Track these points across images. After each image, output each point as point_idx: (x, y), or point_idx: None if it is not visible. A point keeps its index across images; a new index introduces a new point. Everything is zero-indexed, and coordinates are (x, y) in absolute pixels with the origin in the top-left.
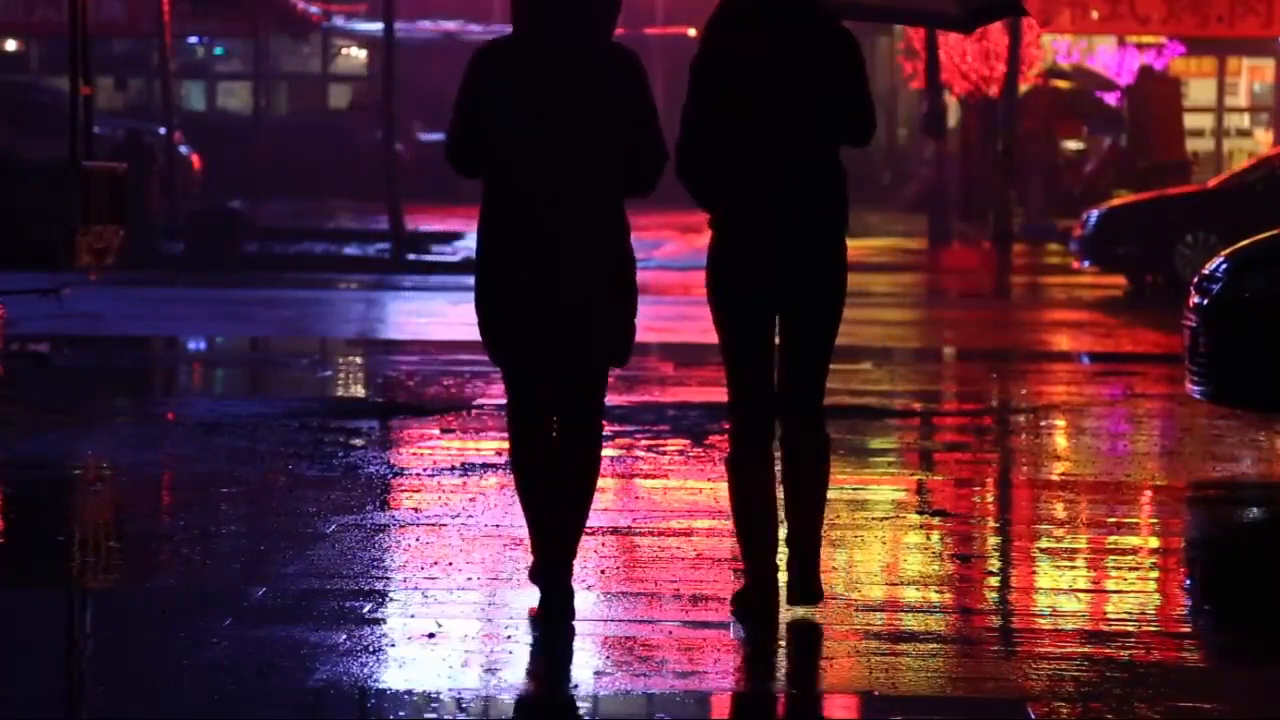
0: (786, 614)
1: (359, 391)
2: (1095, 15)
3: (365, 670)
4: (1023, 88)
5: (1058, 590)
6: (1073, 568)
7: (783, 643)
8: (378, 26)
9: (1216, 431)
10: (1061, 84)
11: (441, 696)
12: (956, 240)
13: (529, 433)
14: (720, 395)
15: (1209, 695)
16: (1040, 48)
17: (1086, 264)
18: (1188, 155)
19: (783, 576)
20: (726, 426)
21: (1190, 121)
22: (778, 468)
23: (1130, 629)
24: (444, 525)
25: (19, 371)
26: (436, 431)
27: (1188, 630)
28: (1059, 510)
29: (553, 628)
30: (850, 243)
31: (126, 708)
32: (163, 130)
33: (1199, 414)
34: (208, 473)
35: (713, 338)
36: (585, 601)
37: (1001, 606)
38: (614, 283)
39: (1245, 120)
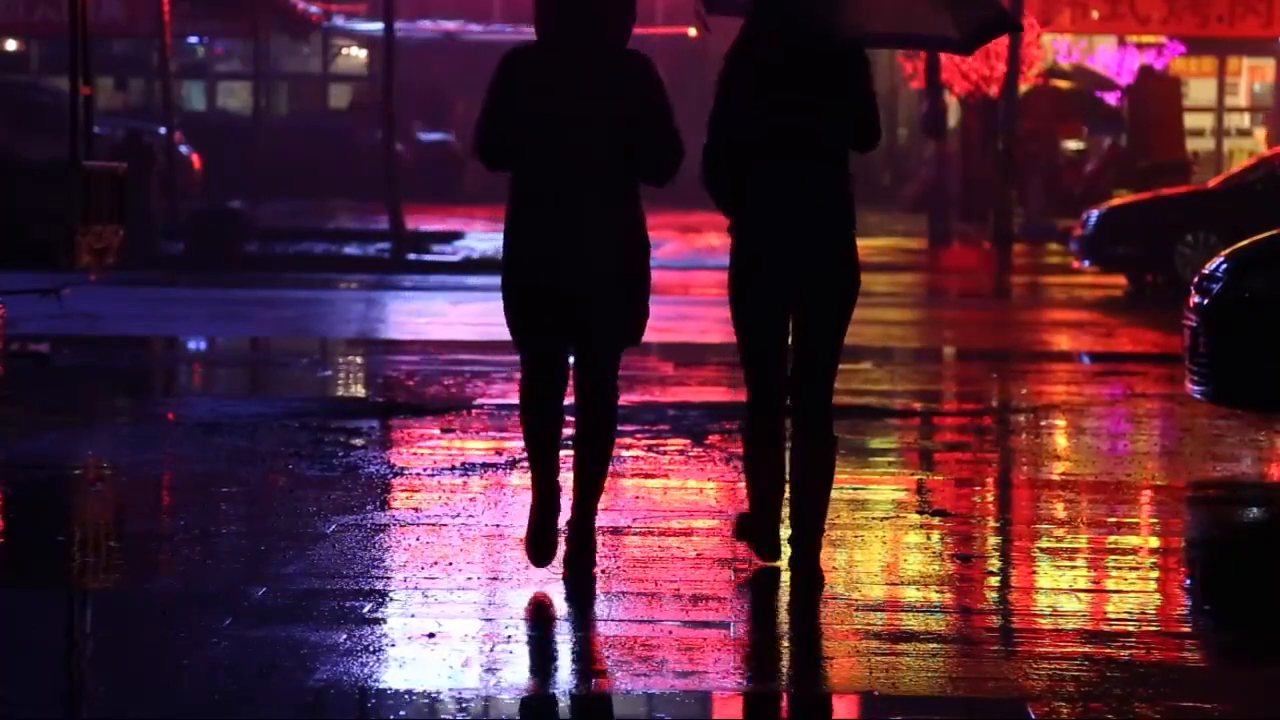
0: (788, 613)
1: (359, 391)
2: (1095, 15)
3: (365, 670)
4: (1023, 88)
5: (1058, 590)
6: (1073, 568)
7: (783, 643)
8: (378, 26)
9: (1216, 431)
10: (1062, 84)
11: (441, 696)
12: (956, 240)
13: (543, 410)
14: (720, 395)
15: (1209, 695)
16: (1040, 48)
17: (1086, 264)
18: (1188, 155)
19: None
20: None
21: (1190, 121)
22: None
23: (1130, 629)
24: (444, 525)
25: (19, 371)
26: (436, 431)
27: (1188, 630)
28: (1059, 510)
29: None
30: None
31: (126, 708)
32: (163, 130)
33: (1199, 414)
34: (208, 473)
35: (712, 337)
36: (585, 601)
37: (1002, 606)
38: (628, 266)
39: (1245, 120)
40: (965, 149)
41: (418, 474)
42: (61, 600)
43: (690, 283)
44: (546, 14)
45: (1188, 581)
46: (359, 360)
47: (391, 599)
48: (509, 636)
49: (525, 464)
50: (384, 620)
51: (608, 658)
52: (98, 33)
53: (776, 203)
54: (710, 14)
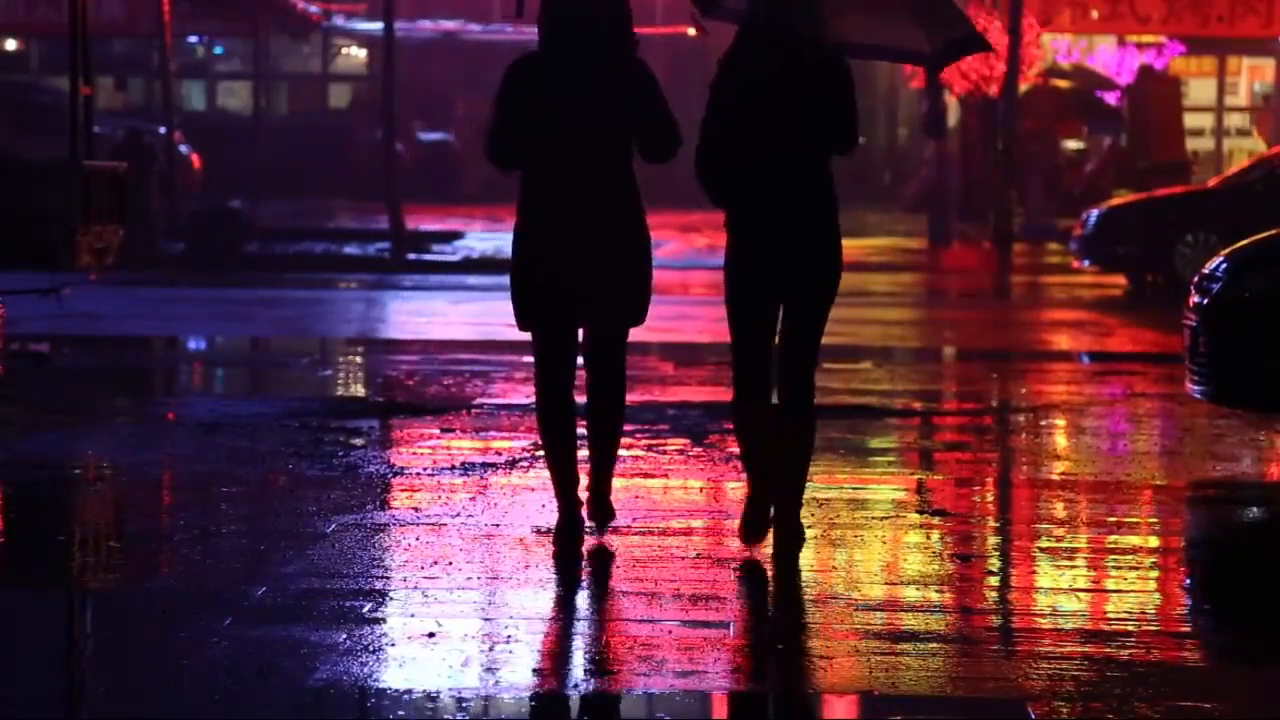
0: (788, 613)
1: (359, 391)
2: (1095, 15)
3: (365, 670)
4: (1023, 87)
5: (1058, 590)
6: (1073, 567)
7: (783, 643)
8: (378, 26)
9: (1216, 431)
10: (1061, 84)
11: (441, 696)
12: (956, 240)
13: (554, 393)
14: (720, 395)
15: (1209, 695)
16: (1040, 47)
17: (1086, 264)
18: (1188, 155)
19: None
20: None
21: (1190, 121)
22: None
23: (1130, 629)
24: (444, 525)
25: (19, 371)
26: (436, 431)
27: (1188, 630)
28: (1059, 510)
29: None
30: (850, 242)
31: (126, 708)
32: (163, 130)
33: (1199, 414)
34: (208, 473)
35: (712, 337)
36: (585, 601)
37: (1001, 606)
38: (631, 254)
39: (1245, 120)
40: (965, 149)
41: (418, 474)
42: (61, 600)
43: (690, 282)
44: (548, 25)
45: (1188, 581)
46: (359, 360)
47: (391, 599)
48: (509, 636)
49: (525, 464)
50: (384, 620)
51: (607, 657)
52: (98, 33)
53: (765, 201)
54: (705, 18)
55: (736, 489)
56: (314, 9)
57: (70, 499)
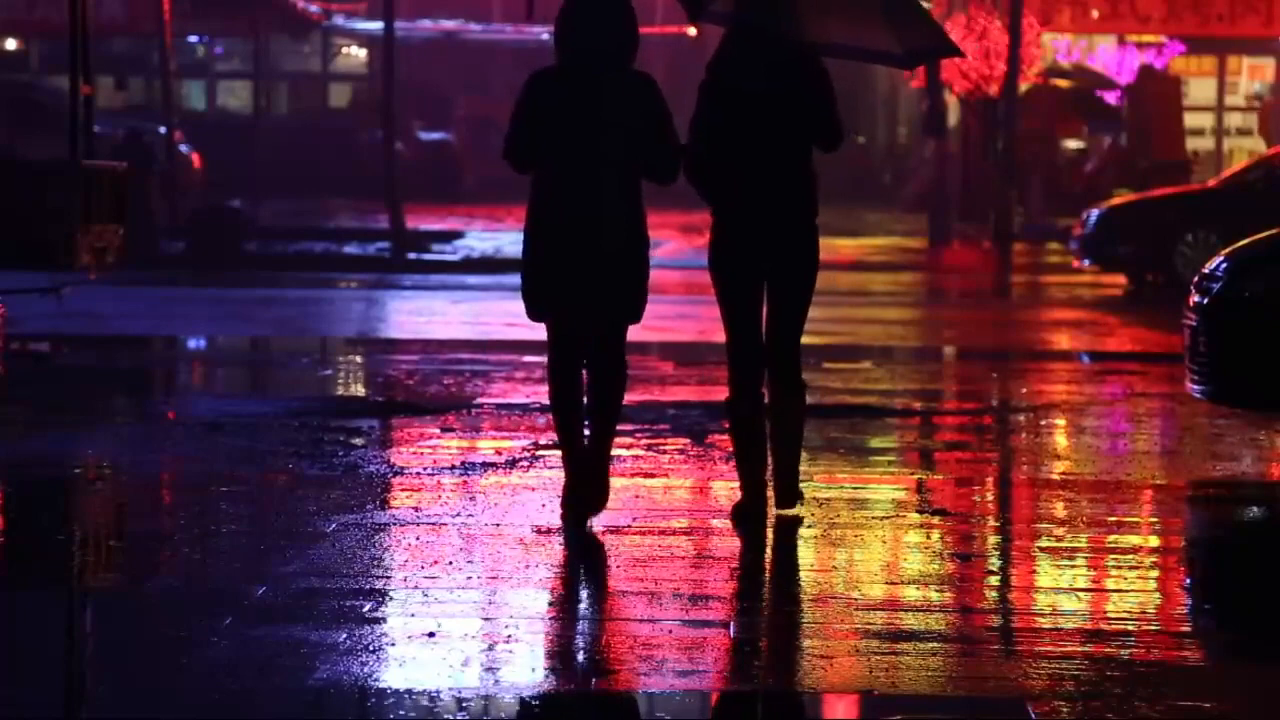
0: (788, 612)
1: (359, 391)
2: (1095, 14)
3: (366, 669)
4: (1023, 87)
5: (1058, 589)
6: (1073, 567)
7: (783, 643)
8: (378, 26)
9: (1216, 431)
10: (1062, 83)
11: (441, 696)
12: (956, 239)
13: (564, 375)
14: (720, 395)
15: (1209, 695)
16: (1040, 47)
17: (1086, 263)
18: (1188, 154)
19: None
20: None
21: (1190, 121)
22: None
23: (1130, 628)
24: (444, 525)
25: (19, 371)
26: (436, 431)
27: (1188, 630)
28: (1059, 509)
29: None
30: (850, 242)
31: (126, 708)
32: (163, 130)
33: (1199, 413)
34: (208, 472)
35: (712, 337)
36: (585, 601)
37: (1002, 606)
38: (632, 257)
39: (1245, 120)
40: (965, 149)
41: (418, 473)
42: (61, 600)
43: (690, 282)
44: (564, 42)
45: (1188, 581)
46: (359, 359)
47: (391, 598)
48: (509, 636)
49: (525, 463)
50: (384, 619)
51: (608, 657)
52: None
53: (749, 194)
54: (693, 21)
55: (736, 489)
56: (314, 9)
57: (70, 499)
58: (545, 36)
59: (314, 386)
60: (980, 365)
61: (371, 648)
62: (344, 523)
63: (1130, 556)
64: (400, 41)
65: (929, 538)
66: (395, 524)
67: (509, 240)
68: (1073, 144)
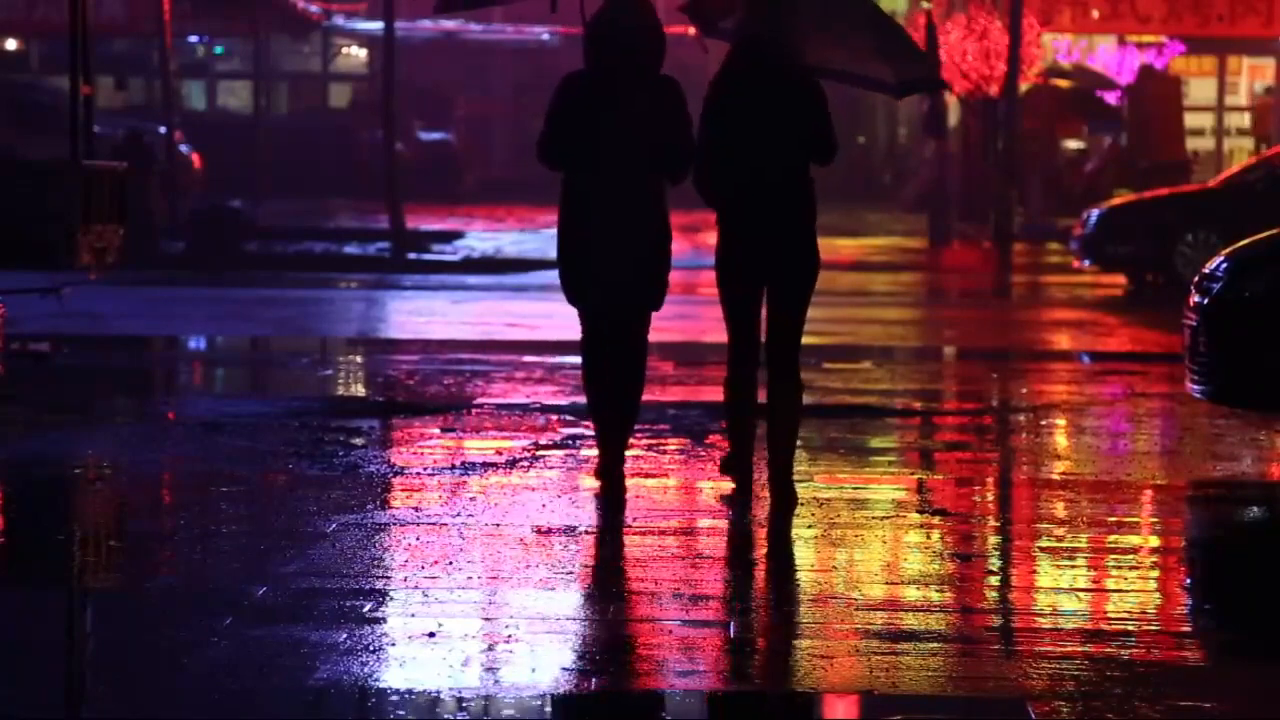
0: (787, 613)
1: (359, 391)
2: (1095, 14)
3: (366, 669)
4: (1023, 87)
5: (1058, 589)
6: (1073, 567)
7: (783, 643)
8: (378, 26)
9: (1216, 431)
10: (1062, 83)
11: (442, 696)
12: (957, 240)
13: (596, 357)
14: (719, 394)
15: (1209, 695)
16: (1040, 47)
17: (1086, 263)
18: (1188, 154)
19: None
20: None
21: (1190, 121)
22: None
23: (1130, 628)
24: (444, 525)
25: (19, 371)
26: (437, 431)
27: (1188, 630)
28: (1059, 509)
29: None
30: (851, 242)
31: (126, 708)
32: (163, 130)
33: (1199, 413)
34: (208, 472)
35: (713, 337)
36: (585, 601)
37: (1002, 606)
38: (657, 249)
39: (1245, 120)
40: (965, 149)
41: (418, 473)
42: (61, 600)
43: (691, 282)
44: (595, 46)
45: (1188, 581)
46: (359, 360)
47: (391, 598)
48: (509, 636)
49: (525, 463)
50: (384, 619)
51: (608, 657)
52: (98, 32)
53: (750, 200)
54: (706, 37)
55: (735, 489)
56: (314, 9)
57: (70, 499)
58: (546, 37)
59: (314, 386)
60: (980, 365)
61: (372, 648)
62: (344, 523)
63: (1130, 556)
64: (400, 41)
65: (929, 538)
66: (395, 524)
67: (509, 240)
68: (1073, 144)
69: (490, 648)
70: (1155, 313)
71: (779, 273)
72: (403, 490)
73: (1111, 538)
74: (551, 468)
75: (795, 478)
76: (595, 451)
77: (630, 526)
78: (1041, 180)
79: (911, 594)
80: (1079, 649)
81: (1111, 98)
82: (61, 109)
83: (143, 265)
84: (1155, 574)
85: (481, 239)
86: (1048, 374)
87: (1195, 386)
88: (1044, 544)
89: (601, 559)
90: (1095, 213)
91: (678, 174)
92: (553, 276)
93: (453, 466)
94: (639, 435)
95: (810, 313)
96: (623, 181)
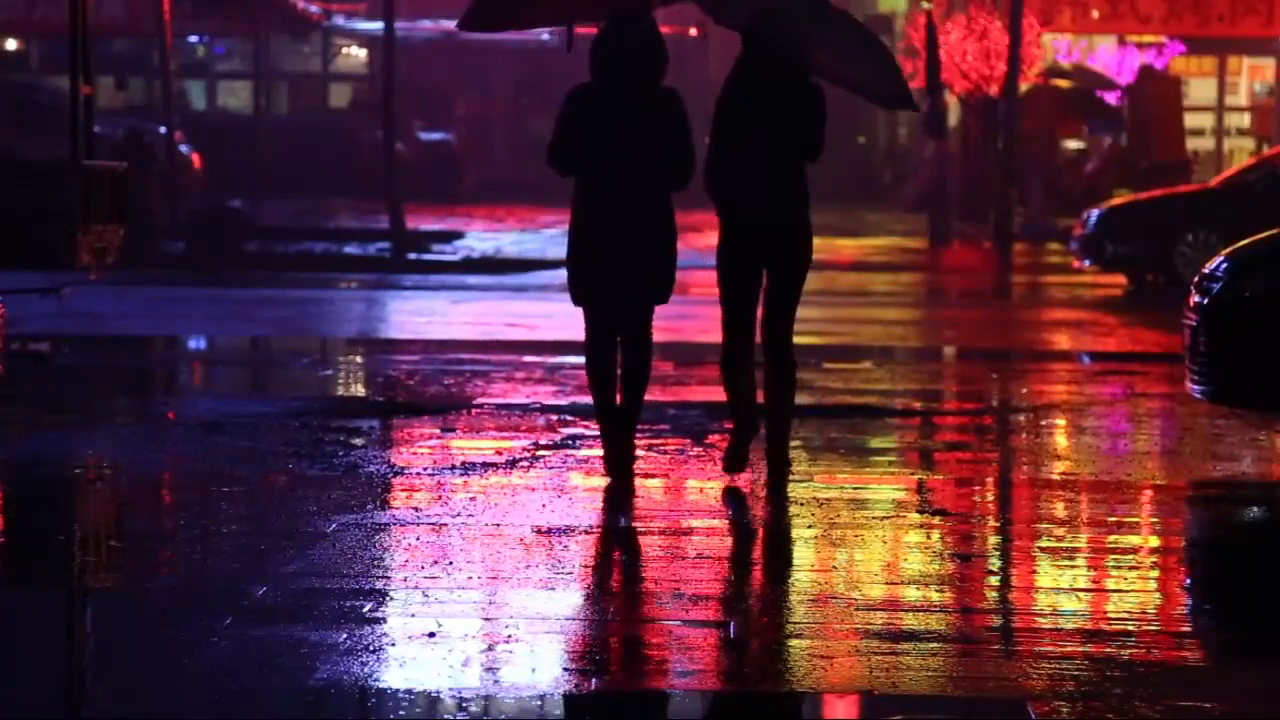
0: (787, 613)
1: (359, 391)
2: (1096, 15)
3: (366, 669)
4: (1023, 87)
5: (1058, 590)
6: (1073, 567)
7: (783, 643)
8: (378, 26)
9: (1216, 431)
10: (1062, 83)
11: (441, 696)
12: (957, 240)
13: (600, 353)
14: (719, 395)
15: (1209, 695)
16: (1040, 47)
17: (1086, 263)
18: (1188, 155)
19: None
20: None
21: (1190, 121)
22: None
23: (1130, 628)
24: (444, 525)
25: (19, 371)
26: (437, 431)
27: (1188, 630)
28: (1059, 509)
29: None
30: (851, 242)
31: (126, 708)
32: (163, 130)
33: (1199, 413)
34: (208, 472)
35: (713, 337)
36: (585, 601)
37: (1002, 606)
38: (662, 249)
39: (1245, 120)
40: (965, 149)
41: (418, 474)
42: (61, 600)
43: (690, 282)
44: (599, 60)
45: (1188, 581)
46: (359, 360)
47: (391, 598)
48: (509, 636)
49: (525, 464)
50: (384, 620)
51: (608, 657)
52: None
53: (751, 195)
54: (718, 24)
55: (736, 490)
56: (314, 9)
57: (70, 499)
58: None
59: (314, 386)
60: (980, 365)
61: (372, 648)
62: (344, 523)
63: (1130, 557)
64: (400, 41)
65: (929, 538)
66: (395, 524)
67: (509, 240)
68: (1073, 144)
69: (490, 648)
70: (1155, 313)
71: (775, 262)
72: (403, 490)
73: (1111, 538)
74: (551, 468)
75: (796, 478)
76: (596, 452)
77: (630, 526)
78: (1041, 180)
79: (911, 594)
80: (1079, 649)
81: (1111, 98)
82: (61, 109)
83: (143, 265)
84: (1155, 574)
85: (481, 239)
86: (1048, 374)
87: (1195, 386)
88: (1044, 544)
89: (601, 559)
90: (1095, 213)
91: (681, 181)
92: (553, 276)
93: (453, 467)
94: (639, 435)
95: (810, 313)
96: (631, 188)
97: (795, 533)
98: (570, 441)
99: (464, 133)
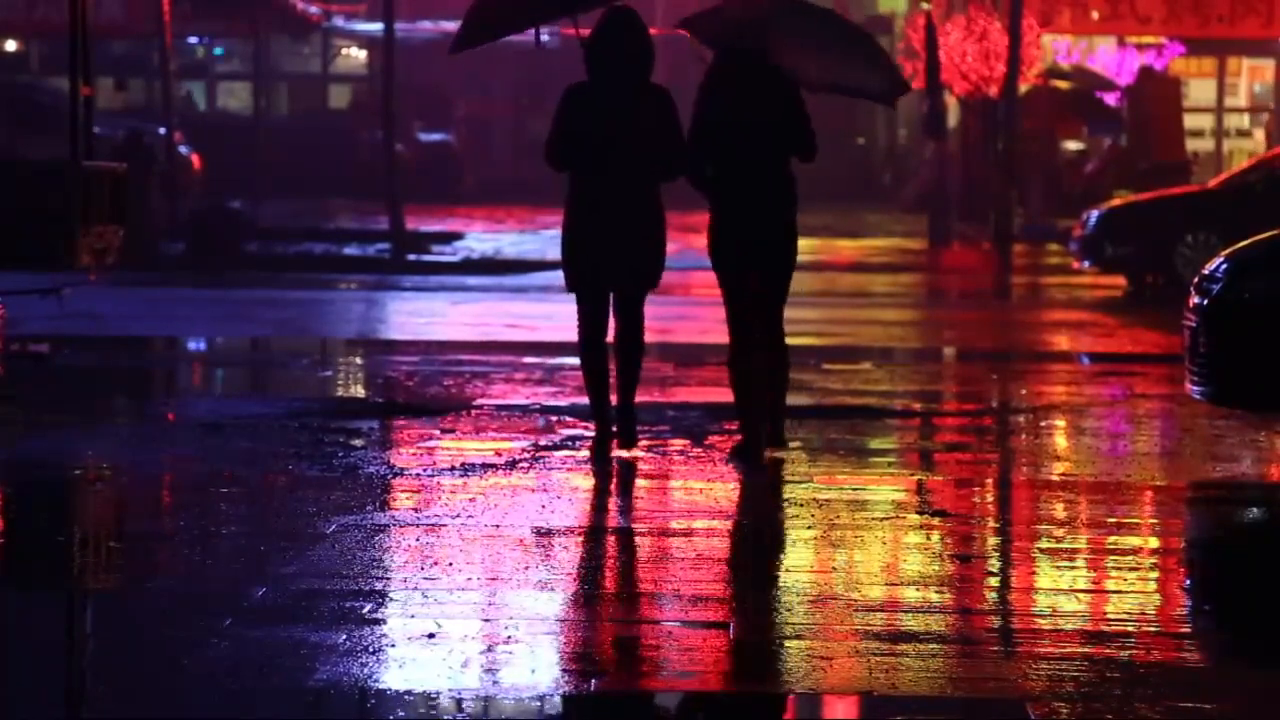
0: (787, 613)
1: (359, 392)
2: (1095, 15)
3: (365, 670)
4: (1023, 88)
5: (1058, 590)
6: (1073, 568)
7: (783, 643)
8: (378, 26)
9: (1216, 431)
10: (1061, 84)
11: (441, 696)
12: (957, 240)
13: (594, 339)
14: (720, 395)
15: (1209, 695)
16: (1040, 48)
17: (1086, 264)
18: (1188, 155)
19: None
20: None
21: (1190, 121)
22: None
23: (1130, 629)
24: (444, 525)
25: (19, 371)
26: (436, 432)
27: (1188, 630)
28: (1059, 510)
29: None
30: (850, 242)
31: (126, 708)
32: (163, 130)
33: (1199, 414)
34: (208, 473)
35: (712, 337)
36: (585, 602)
37: (1001, 606)
38: (653, 237)
39: (1245, 120)
40: (965, 149)
41: (417, 474)
42: (61, 600)
43: (690, 283)
44: (594, 61)
45: (1188, 581)
46: (359, 360)
47: (391, 599)
48: (509, 636)
49: (525, 464)
50: (384, 620)
51: (607, 657)
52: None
53: (739, 193)
54: (701, 44)
55: (736, 490)
56: (314, 9)
57: (70, 499)
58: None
59: (314, 387)
60: (980, 366)
61: (371, 649)
62: (344, 524)
63: (1130, 558)
64: (400, 42)
65: (929, 539)
66: (395, 525)
67: (509, 241)
68: (1073, 145)
69: (490, 649)
70: (1155, 314)
71: (763, 258)
72: (402, 491)
73: (1111, 539)
74: (551, 469)
75: (796, 478)
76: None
77: (629, 527)
78: (1041, 181)
79: (911, 595)
80: (1078, 650)
81: (1111, 99)
82: (61, 109)
83: (142, 266)
84: (1155, 575)
85: (481, 240)
86: (1047, 375)
87: (1195, 387)
88: (1044, 545)
89: (601, 560)
90: (1095, 214)
91: (672, 172)
92: (552, 277)
93: (452, 468)
94: (638, 435)
95: (810, 313)
96: (622, 180)
97: (795, 533)
98: (570, 442)
99: (464, 133)
